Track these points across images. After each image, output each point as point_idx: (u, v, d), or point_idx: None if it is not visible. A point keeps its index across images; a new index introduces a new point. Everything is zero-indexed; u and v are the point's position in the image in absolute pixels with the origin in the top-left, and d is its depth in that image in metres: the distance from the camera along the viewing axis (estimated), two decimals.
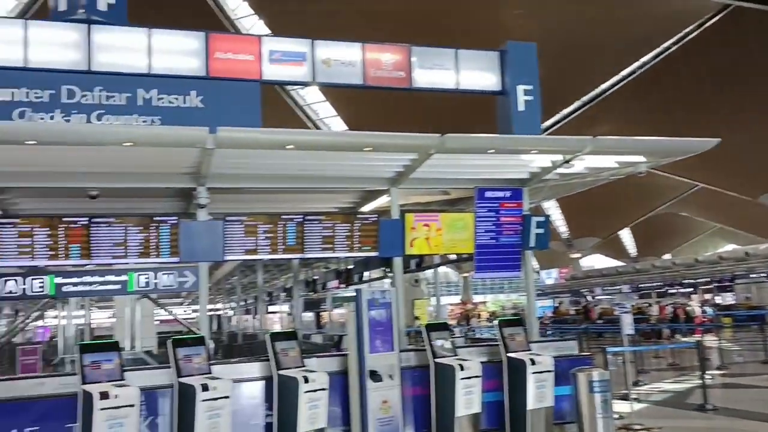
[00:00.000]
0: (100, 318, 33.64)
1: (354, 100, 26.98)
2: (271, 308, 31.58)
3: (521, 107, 9.78)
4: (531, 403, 8.34)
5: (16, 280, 8.01)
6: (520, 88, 9.80)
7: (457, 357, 8.55)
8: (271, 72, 9.21)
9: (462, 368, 8.12)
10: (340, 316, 33.40)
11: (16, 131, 7.36)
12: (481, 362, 8.51)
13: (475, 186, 9.55)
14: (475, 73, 9.95)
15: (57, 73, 8.43)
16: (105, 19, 8.61)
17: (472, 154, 8.87)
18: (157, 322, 20.63)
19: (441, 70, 9.78)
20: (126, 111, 8.60)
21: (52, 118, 8.36)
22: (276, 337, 8.19)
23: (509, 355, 8.65)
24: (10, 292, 8.06)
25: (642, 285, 43.60)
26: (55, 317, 29.32)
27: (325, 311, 34.29)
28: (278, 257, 9.15)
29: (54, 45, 8.51)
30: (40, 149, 7.33)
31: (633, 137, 9.01)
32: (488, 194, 9.53)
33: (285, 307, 33.46)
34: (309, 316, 35.10)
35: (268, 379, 8.08)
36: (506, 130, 9.78)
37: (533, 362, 8.42)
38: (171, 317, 28.71)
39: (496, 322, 9.59)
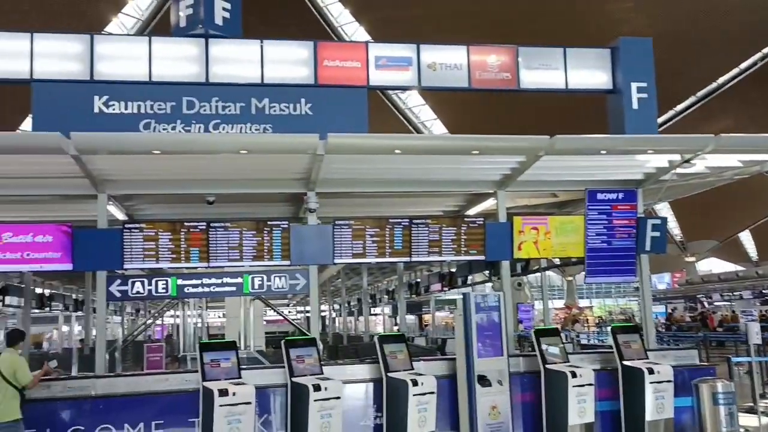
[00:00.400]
0: (211, 318, 35.26)
1: (454, 102, 26.84)
2: (373, 310, 31.94)
3: (635, 105, 9.41)
4: (649, 414, 7.99)
5: (142, 282, 8.48)
6: (634, 86, 9.44)
7: (568, 364, 8.32)
8: (378, 78, 9.36)
9: (574, 375, 7.90)
10: (443, 319, 33.33)
11: (144, 142, 7.85)
12: (594, 370, 8.26)
13: (585, 188, 9.27)
14: (584, 71, 9.69)
15: (178, 86, 8.94)
16: (221, 32, 9.04)
17: (583, 156, 8.61)
18: (264, 322, 21.33)
19: (548, 70, 9.59)
20: (240, 120, 9.00)
21: (173, 128, 8.86)
22: (385, 339, 8.28)
23: (625, 363, 8.33)
24: (138, 293, 8.55)
25: (765, 290, 40.67)
26: (170, 316, 31.03)
27: (427, 314, 34.33)
28: (386, 260, 9.23)
29: (175, 59, 9.03)
30: (163, 158, 7.77)
31: (760, 134, 8.45)
32: (600, 196, 9.22)
33: (387, 310, 33.78)
34: (411, 318, 35.25)
35: (377, 381, 8.19)
36: (618, 129, 9.44)
37: (651, 371, 8.07)
38: (277, 318, 29.68)
39: (608, 328, 9.27)
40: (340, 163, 8.25)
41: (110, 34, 20.09)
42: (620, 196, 9.27)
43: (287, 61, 9.27)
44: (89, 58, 8.77)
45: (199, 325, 20.79)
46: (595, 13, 20.78)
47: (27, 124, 24.46)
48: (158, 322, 30.65)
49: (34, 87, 8.62)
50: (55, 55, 8.73)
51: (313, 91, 9.11)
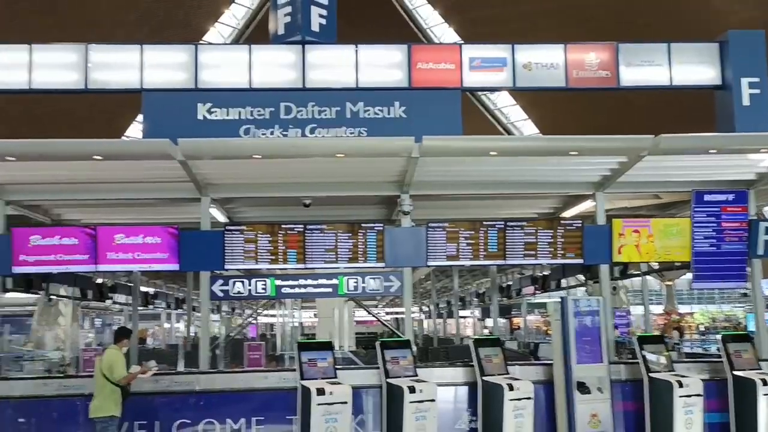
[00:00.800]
0: (302, 318, 35.97)
1: (547, 102, 26.33)
2: (461, 313, 31.67)
3: (746, 102, 8.91)
4: (763, 428, 7.55)
5: (243, 282, 8.76)
6: (745, 81, 8.94)
7: (673, 372, 7.97)
8: (471, 79, 9.32)
9: (681, 385, 7.55)
10: (533, 322, 32.66)
11: (245, 147, 8.12)
12: (702, 380, 7.87)
13: (691, 189, 8.83)
14: (690, 67, 9.27)
15: (276, 92, 9.21)
16: (317, 38, 9.25)
17: (689, 155, 8.22)
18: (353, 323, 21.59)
19: (651, 67, 9.24)
20: (335, 124, 9.17)
21: (272, 133, 9.13)
22: (480, 343, 8.22)
23: (735, 373, 7.89)
24: (238, 293, 8.84)
25: None
26: (263, 315, 31.94)
27: (516, 317, 33.74)
28: (479, 263, 9.14)
29: (273, 66, 9.31)
30: (263, 162, 8.00)
31: None
32: (707, 198, 8.75)
33: (476, 312, 33.42)
34: (500, 321, 34.70)
35: (471, 385, 8.14)
36: (727, 127, 8.96)
37: (765, 382, 7.60)
38: (365, 318, 29.90)
39: (716, 336, 8.82)
40: (435, 165, 8.25)
41: (210, 43, 20.94)
42: (730, 197, 8.77)
43: (381, 64, 9.37)
44: (194, 67, 9.17)
45: (294, 324, 21.30)
46: (699, 4, 19.83)
47: (132, 131, 25.91)
48: (252, 320, 31.60)
49: (144, 96, 9.09)
50: (163, 66, 9.18)
51: (407, 94, 9.17)
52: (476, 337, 8.52)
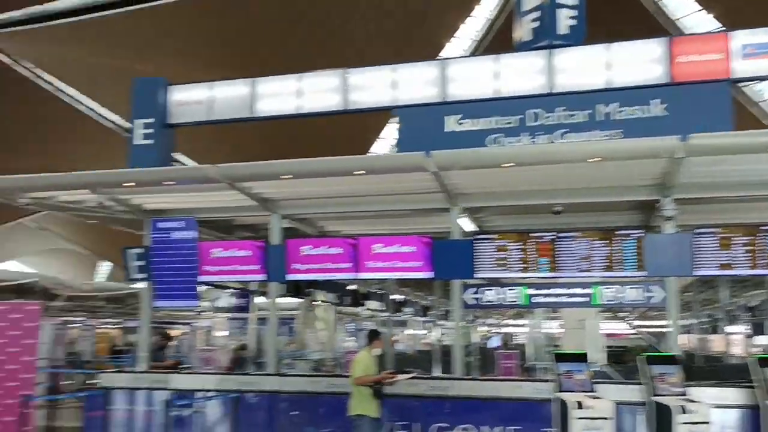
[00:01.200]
0: (545, 328, 35.14)
1: None
2: (727, 329, 28.46)
3: None
4: None
5: (494, 291, 8.80)
6: None
7: None
8: (743, 69, 8.36)
9: None
10: None
11: (496, 156, 8.13)
12: None
13: None
14: None
15: (523, 99, 9.10)
16: (565, 41, 8.98)
17: None
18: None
19: None
20: (586, 127, 8.81)
21: (518, 140, 9.03)
22: (765, 362, 7.29)
23: None
24: (489, 301, 8.89)
25: None
26: (503, 325, 31.83)
27: None
28: (760, 273, 8.12)
29: (519, 73, 9.20)
30: (512, 170, 7.94)
31: None
32: None
33: (743, 328, 29.85)
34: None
35: (752, 408, 7.28)
36: None
37: None
38: (610, 331, 28.15)
39: None
40: (701, 165, 7.56)
41: (450, 57, 21.46)
42: None
43: (635, 61, 8.79)
44: (441, 81, 9.43)
45: (545, 334, 20.86)
46: None
47: (375, 148, 27.51)
48: (498, 329, 31.67)
49: (398, 113, 9.55)
50: (413, 82, 9.54)
51: (667, 90, 8.51)
52: (760, 355, 7.52)
